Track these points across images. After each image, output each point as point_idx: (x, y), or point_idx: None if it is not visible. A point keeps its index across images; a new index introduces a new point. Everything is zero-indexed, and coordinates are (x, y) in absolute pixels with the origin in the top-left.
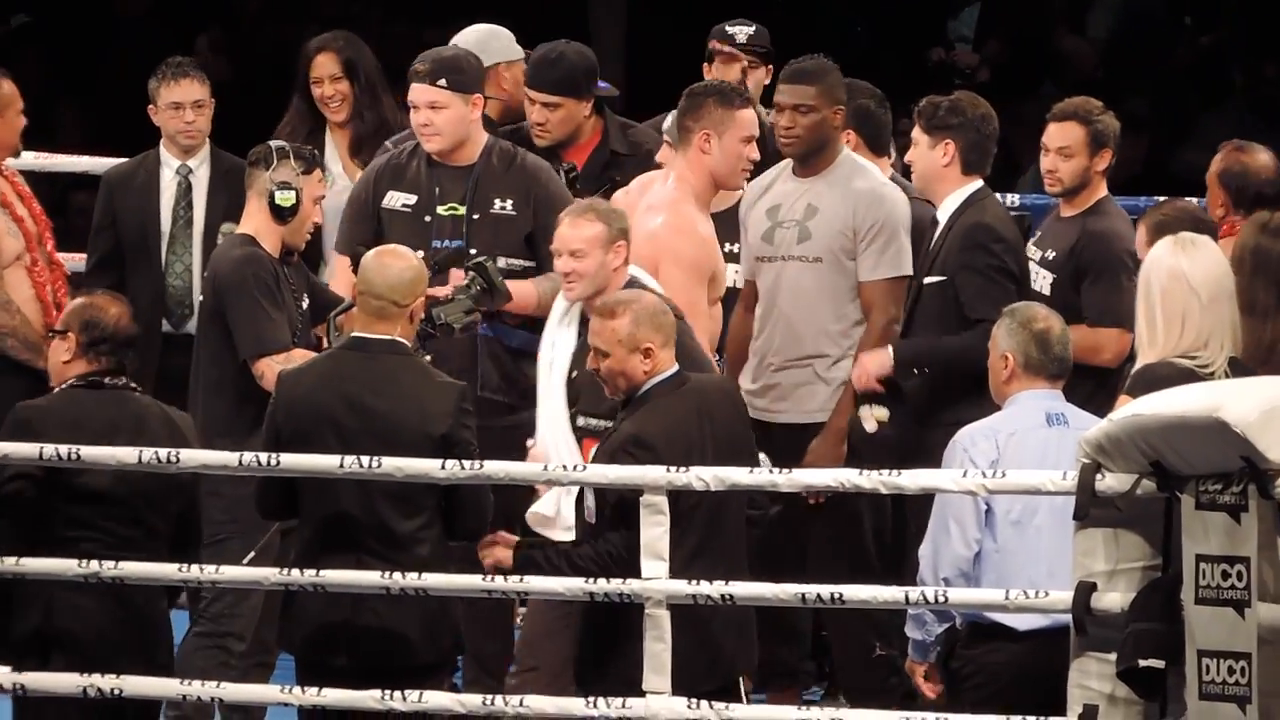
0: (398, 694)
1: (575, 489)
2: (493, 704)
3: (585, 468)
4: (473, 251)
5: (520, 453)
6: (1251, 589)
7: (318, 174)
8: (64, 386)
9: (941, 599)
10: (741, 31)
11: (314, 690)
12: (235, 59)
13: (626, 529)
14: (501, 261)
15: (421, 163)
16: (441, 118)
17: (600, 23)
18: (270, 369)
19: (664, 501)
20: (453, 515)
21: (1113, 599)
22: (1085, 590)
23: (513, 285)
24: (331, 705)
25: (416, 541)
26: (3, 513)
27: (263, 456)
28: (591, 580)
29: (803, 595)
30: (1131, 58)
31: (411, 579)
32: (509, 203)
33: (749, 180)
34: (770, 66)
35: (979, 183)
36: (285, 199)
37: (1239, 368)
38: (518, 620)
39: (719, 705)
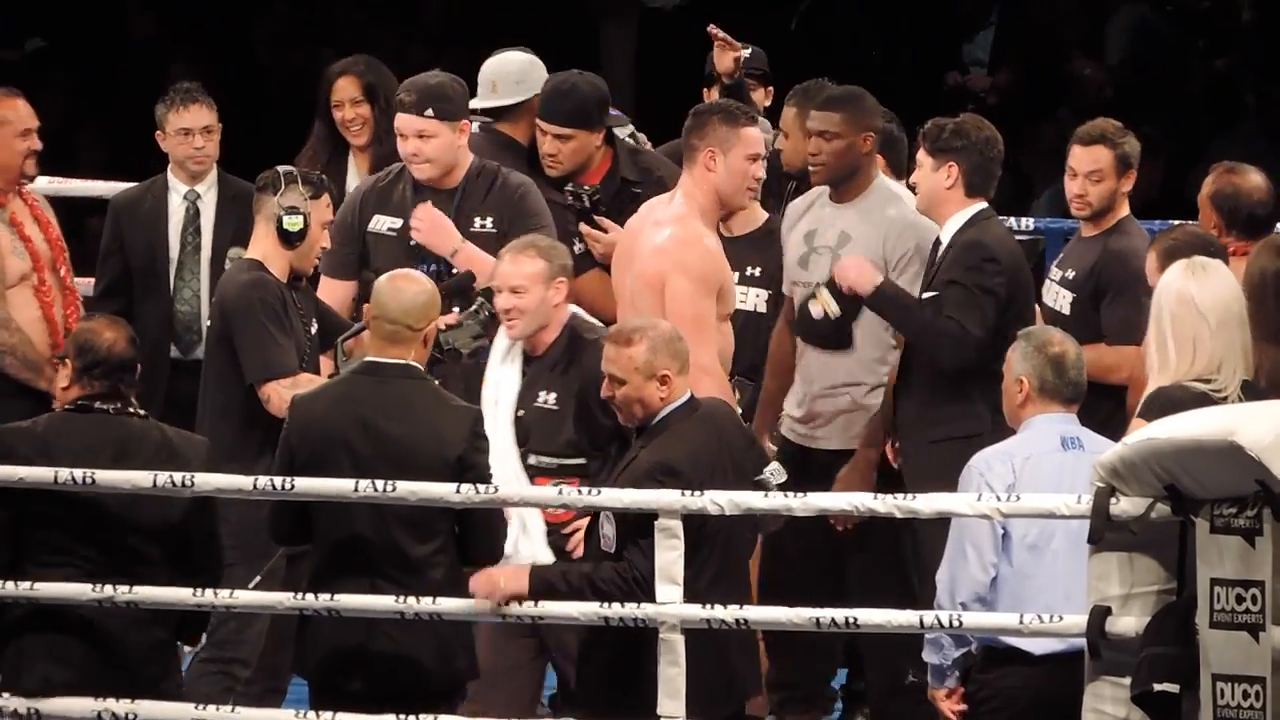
0: (411, 718)
1: (534, 528)
2: None
3: (600, 492)
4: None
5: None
6: (1266, 613)
7: (325, 199)
8: (54, 410)
9: (956, 624)
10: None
11: (328, 715)
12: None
13: (650, 554)
14: None
15: (407, 186)
16: (430, 146)
17: (611, 49)
18: (277, 394)
19: (679, 526)
20: (467, 539)
21: (1127, 623)
22: (1100, 615)
23: None
24: None
25: (431, 565)
26: None
27: (277, 480)
28: (606, 605)
29: (817, 620)
30: (1145, 81)
31: (426, 604)
32: (489, 220)
33: (753, 198)
34: (770, 88)
35: (983, 204)
36: (293, 224)
37: (1252, 391)
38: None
39: None
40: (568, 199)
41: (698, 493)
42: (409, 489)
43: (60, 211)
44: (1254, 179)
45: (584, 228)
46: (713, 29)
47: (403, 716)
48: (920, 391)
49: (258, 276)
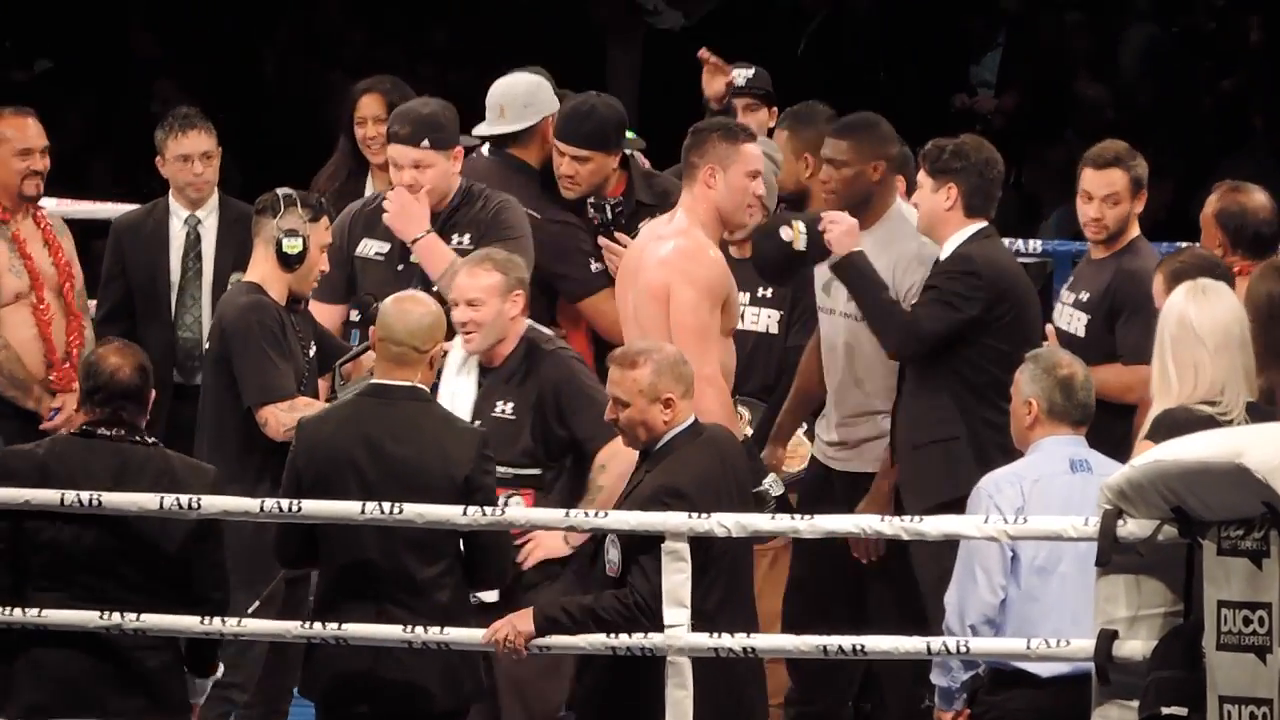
0: None
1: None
2: None
3: (607, 514)
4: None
5: None
6: (1273, 635)
7: (325, 222)
8: (58, 435)
9: (963, 649)
10: (741, 74)
11: None
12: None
13: (653, 578)
14: None
15: None
16: (427, 176)
17: (617, 69)
18: (274, 417)
19: (686, 548)
20: (473, 561)
21: (1134, 646)
22: (1107, 638)
23: None
24: None
25: (438, 588)
26: None
27: (283, 503)
28: (613, 635)
29: (824, 647)
30: (1153, 103)
31: (434, 633)
32: (466, 237)
33: (753, 215)
34: (774, 109)
35: (982, 223)
36: (292, 246)
37: (1257, 413)
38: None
39: None
40: (589, 213)
41: (705, 515)
42: (416, 511)
43: (71, 233)
44: (1259, 198)
45: (603, 241)
46: (704, 53)
47: None
48: (904, 400)
49: (256, 299)
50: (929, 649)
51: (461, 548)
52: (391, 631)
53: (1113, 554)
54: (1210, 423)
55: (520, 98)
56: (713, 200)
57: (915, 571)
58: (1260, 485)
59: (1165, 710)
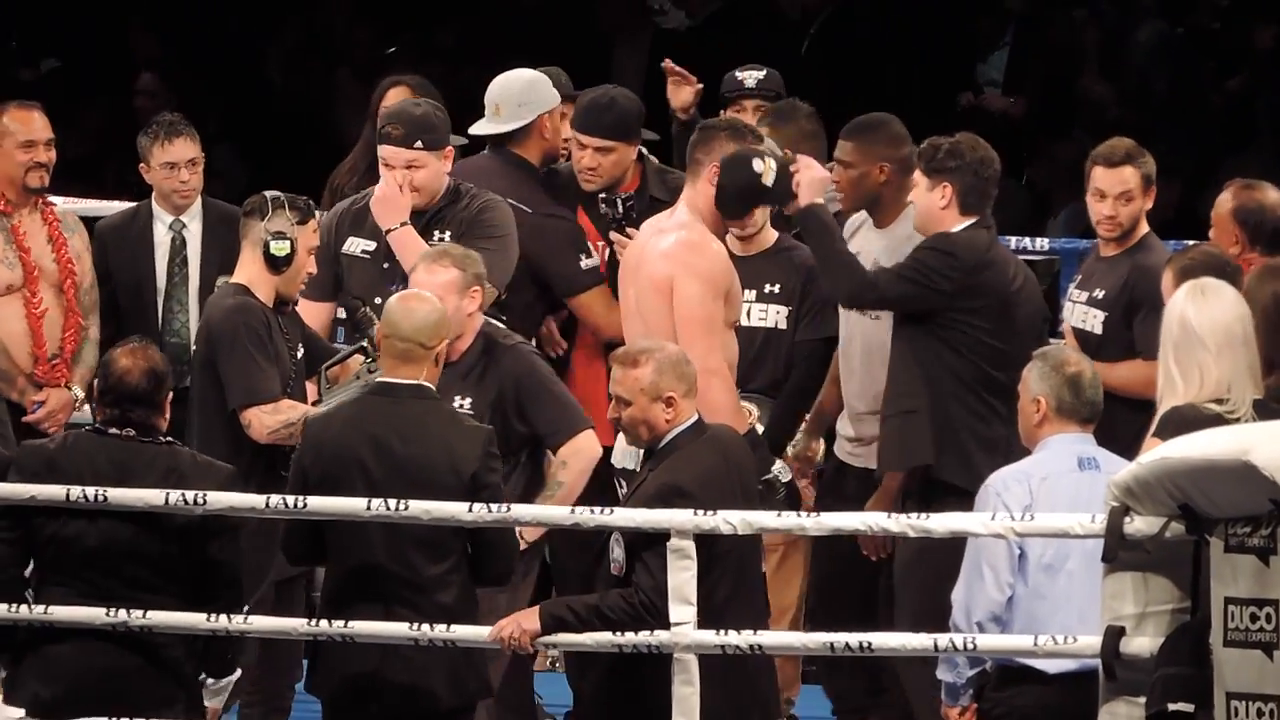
0: None
1: None
2: None
3: (612, 511)
4: None
5: None
6: None
7: (313, 224)
8: (71, 431)
9: (970, 645)
10: (751, 76)
11: None
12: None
13: (658, 576)
14: None
15: None
16: (419, 177)
17: (623, 69)
18: (258, 419)
19: (691, 546)
20: (479, 559)
21: (1141, 643)
22: (1114, 635)
23: None
24: None
25: (444, 586)
26: None
27: (290, 499)
28: (619, 634)
29: (831, 644)
30: (1160, 101)
31: (440, 631)
32: (447, 234)
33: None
34: None
35: (977, 220)
36: (280, 248)
37: (1265, 410)
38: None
39: None
40: (601, 208)
41: (710, 512)
42: (421, 508)
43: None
44: (1273, 195)
45: (615, 236)
46: (667, 64)
47: None
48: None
49: (243, 301)
50: (936, 645)
51: (467, 546)
52: (398, 629)
53: (1120, 551)
54: (1217, 420)
55: (515, 96)
56: (715, 197)
57: (896, 556)
58: (1267, 482)
59: (1172, 707)
